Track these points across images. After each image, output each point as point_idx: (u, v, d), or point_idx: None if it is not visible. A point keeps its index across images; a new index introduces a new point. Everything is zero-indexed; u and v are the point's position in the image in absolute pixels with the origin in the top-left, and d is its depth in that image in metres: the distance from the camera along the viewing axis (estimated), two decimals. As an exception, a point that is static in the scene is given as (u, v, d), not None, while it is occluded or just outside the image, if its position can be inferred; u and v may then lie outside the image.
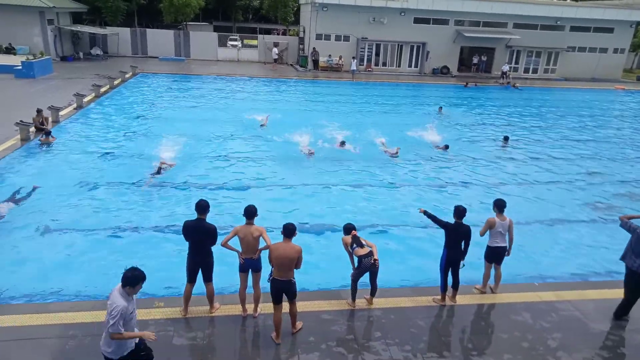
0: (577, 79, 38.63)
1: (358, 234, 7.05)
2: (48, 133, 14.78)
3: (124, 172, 12.75)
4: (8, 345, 5.91)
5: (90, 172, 12.63)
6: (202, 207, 6.36)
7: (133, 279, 4.62)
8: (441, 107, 23.71)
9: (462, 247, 7.11)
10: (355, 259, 6.90)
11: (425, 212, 7.37)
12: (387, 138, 17.00)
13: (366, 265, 6.76)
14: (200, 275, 6.55)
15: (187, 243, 6.45)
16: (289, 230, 6.09)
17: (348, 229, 7.11)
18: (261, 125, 18.34)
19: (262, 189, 12.21)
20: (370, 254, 6.78)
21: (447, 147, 16.53)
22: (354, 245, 6.85)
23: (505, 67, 35.80)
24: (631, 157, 17.55)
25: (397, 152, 15.47)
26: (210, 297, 6.67)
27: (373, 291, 7.09)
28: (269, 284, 6.16)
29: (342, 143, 15.97)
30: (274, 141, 16.43)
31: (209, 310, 6.74)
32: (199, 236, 6.33)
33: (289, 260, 5.99)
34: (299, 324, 6.52)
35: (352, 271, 6.97)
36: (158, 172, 12.33)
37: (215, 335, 6.34)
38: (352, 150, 15.75)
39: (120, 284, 4.67)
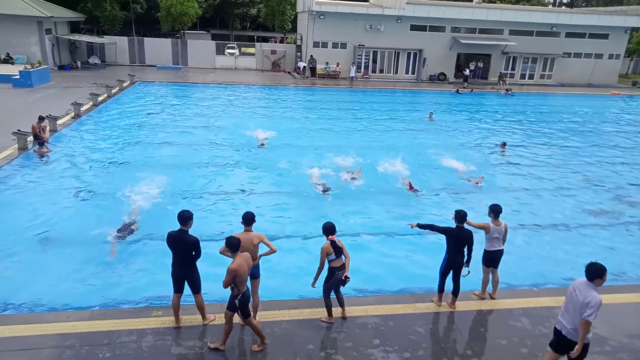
0: (573, 84, 38.85)
1: (336, 237, 6.60)
2: (42, 143, 14.58)
3: (121, 181, 12.72)
4: (4, 356, 5.87)
5: (87, 182, 12.62)
6: (184, 217, 6.21)
7: None
8: (431, 113, 23.63)
9: (465, 252, 7.11)
10: (326, 269, 6.60)
11: (418, 225, 7.34)
12: (408, 167, 14.62)
13: (338, 278, 6.57)
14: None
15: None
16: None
17: (328, 228, 6.53)
18: (260, 145, 16.83)
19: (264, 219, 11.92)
20: (343, 267, 6.55)
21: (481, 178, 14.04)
22: (333, 257, 6.51)
23: (467, 72, 35.90)
24: (628, 162, 17.61)
25: (415, 189, 12.94)
26: (201, 308, 6.56)
27: (341, 302, 6.91)
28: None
29: (353, 178, 13.72)
30: (277, 168, 14.50)
31: (202, 322, 6.66)
32: (181, 248, 6.19)
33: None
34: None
35: (323, 284, 6.66)
36: (129, 231, 9.78)
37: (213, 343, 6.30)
38: (359, 180, 13.64)
39: (584, 278, 5.25)
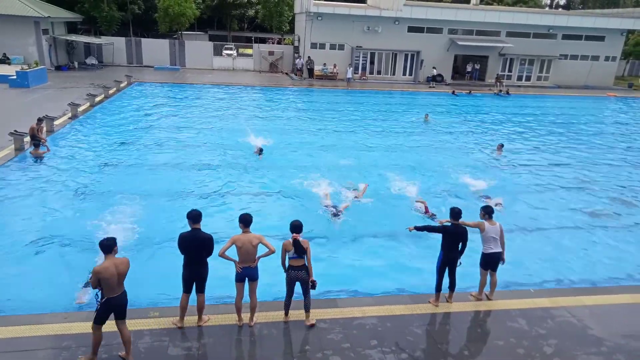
0: (569, 86, 39.00)
1: (302, 238, 6.48)
2: (37, 145, 14.38)
3: (117, 183, 12.72)
4: (0, 357, 5.84)
5: (84, 183, 12.56)
6: (196, 216, 6.34)
7: None
8: (427, 115, 23.51)
9: (460, 248, 7.21)
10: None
11: (415, 228, 7.42)
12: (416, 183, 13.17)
13: (292, 277, 6.51)
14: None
15: (180, 254, 6.38)
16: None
17: (296, 226, 6.50)
18: (258, 151, 15.66)
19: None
20: (300, 268, 6.44)
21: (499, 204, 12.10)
22: (293, 255, 6.43)
23: (434, 72, 35.88)
24: (623, 164, 17.69)
25: (431, 213, 11.25)
26: (201, 309, 6.59)
27: (306, 306, 6.71)
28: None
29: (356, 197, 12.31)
30: (278, 185, 13.25)
31: (197, 322, 6.65)
32: (196, 247, 6.26)
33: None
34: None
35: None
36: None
37: (210, 345, 6.30)
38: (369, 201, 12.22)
39: None
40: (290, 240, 6.46)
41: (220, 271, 7.03)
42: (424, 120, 23.05)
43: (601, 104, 33.30)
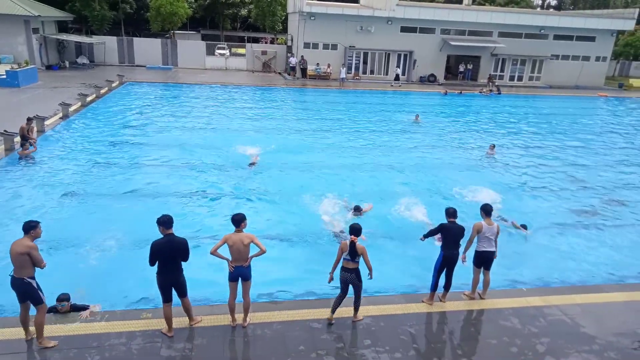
0: (561, 86, 39.30)
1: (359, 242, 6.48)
2: (23, 144, 14.16)
3: (107, 183, 12.62)
4: (-10, 360, 5.79)
5: (73, 184, 12.44)
6: (168, 220, 6.07)
7: None
8: (417, 115, 23.38)
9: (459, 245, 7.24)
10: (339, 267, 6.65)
11: (424, 237, 7.48)
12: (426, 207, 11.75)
13: (343, 278, 6.61)
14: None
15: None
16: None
17: (354, 229, 6.52)
18: (251, 164, 14.74)
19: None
20: (352, 270, 6.50)
21: (524, 226, 11.09)
22: (347, 257, 6.49)
23: (398, 70, 35.96)
24: (615, 163, 17.84)
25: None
26: (188, 310, 6.51)
27: (355, 306, 6.85)
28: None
29: (357, 208, 11.23)
30: (269, 188, 12.91)
31: (189, 323, 6.60)
32: (171, 253, 6.04)
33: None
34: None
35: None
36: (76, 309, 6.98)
37: (203, 345, 6.27)
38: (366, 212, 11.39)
39: None
40: (347, 242, 6.48)
41: (214, 271, 7.01)
42: (414, 121, 23.01)
43: (592, 104, 33.57)
